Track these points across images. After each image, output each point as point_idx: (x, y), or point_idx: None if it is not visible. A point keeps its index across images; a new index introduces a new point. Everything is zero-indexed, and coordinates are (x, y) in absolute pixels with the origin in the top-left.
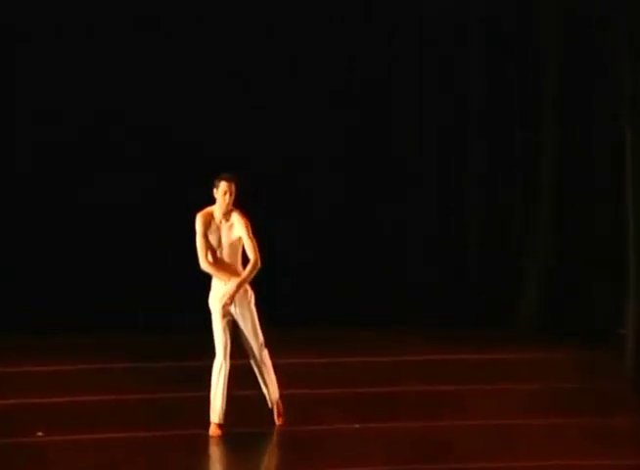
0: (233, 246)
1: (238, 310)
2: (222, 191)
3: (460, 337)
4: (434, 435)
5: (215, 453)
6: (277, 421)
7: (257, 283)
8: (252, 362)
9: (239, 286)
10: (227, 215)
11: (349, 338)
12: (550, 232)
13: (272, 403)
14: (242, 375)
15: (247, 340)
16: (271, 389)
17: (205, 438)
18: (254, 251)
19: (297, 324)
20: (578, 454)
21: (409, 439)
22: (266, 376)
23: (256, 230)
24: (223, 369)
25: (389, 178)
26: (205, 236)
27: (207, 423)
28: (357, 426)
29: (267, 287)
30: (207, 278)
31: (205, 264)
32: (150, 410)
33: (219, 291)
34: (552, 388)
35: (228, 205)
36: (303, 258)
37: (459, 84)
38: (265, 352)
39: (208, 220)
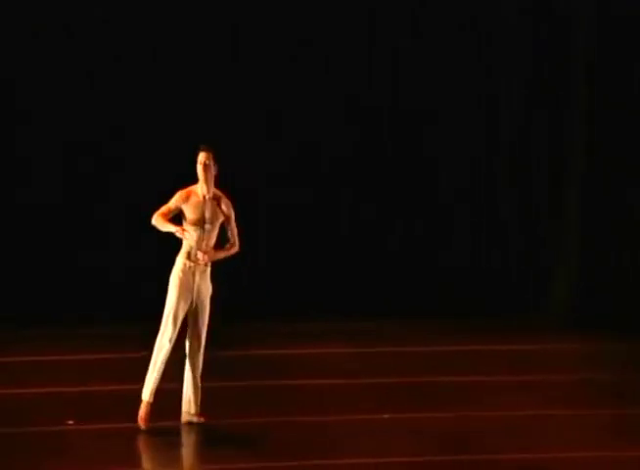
0: (215, 227)
1: (199, 295)
2: (198, 162)
3: (491, 328)
4: (464, 426)
5: (233, 442)
6: (201, 419)
7: (292, 274)
8: (188, 356)
9: (221, 252)
10: (212, 194)
11: (379, 328)
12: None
13: (196, 407)
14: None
15: (193, 332)
16: (197, 396)
17: (226, 427)
18: (236, 237)
19: (329, 316)
20: (610, 446)
21: (438, 430)
22: (197, 378)
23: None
24: (167, 349)
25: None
26: (175, 207)
27: (221, 413)
28: (387, 416)
29: (298, 279)
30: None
31: (155, 217)
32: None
33: (186, 270)
34: (584, 379)
35: (205, 177)
36: (333, 250)
37: None
38: (201, 353)
39: (187, 196)
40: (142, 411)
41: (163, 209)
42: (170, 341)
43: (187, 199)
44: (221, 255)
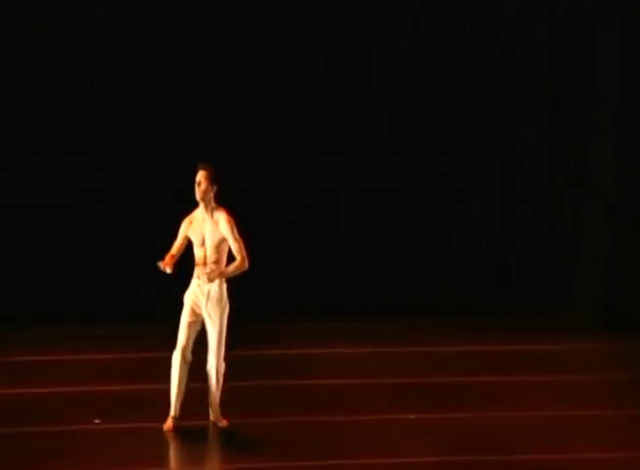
0: (217, 245)
1: (209, 311)
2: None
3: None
4: (484, 426)
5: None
6: (223, 423)
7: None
8: (207, 369)
9: (221, 273)
10: (211, 213)
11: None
12: (606, 223)
13: (213, 415)
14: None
15: (208, 345)
16: (213, 403)
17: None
18: (240, 252)
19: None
20: (630, 447)
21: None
22: (214, 390)
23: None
24: (178, 363)
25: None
26: (182, 238)
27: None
28: (412, 417)
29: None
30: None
31: None
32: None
33: (196, 288)
34: (605, 380)
35: (200, 197)
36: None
37: None
38: (221, 369)
39: (190, 222)
40: (167, 421)
41: (173, 247)
42: (183, 356)
43: (190, 224)
44: (228, 273)
